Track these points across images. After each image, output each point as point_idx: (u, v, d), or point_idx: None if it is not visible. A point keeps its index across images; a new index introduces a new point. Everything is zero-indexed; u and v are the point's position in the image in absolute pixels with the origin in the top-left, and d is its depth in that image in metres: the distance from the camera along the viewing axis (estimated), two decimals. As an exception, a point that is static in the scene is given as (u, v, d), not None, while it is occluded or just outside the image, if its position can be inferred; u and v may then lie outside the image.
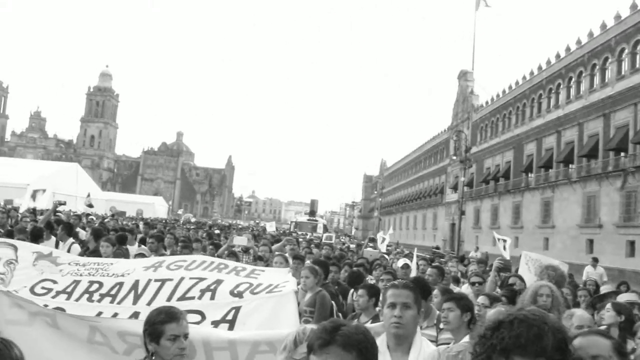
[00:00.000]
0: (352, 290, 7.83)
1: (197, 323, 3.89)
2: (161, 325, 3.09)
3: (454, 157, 53.08)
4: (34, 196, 24.16)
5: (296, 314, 4.36)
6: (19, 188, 29.55)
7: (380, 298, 6.12)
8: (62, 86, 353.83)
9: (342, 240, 35.60)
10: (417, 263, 10.66)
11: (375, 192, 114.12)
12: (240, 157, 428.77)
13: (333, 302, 6.72)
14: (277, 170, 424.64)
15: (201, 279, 4.44)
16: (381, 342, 3.27)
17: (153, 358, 3.13)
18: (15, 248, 4.72)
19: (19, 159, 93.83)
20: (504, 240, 12.91)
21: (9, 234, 8.53)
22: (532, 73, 50.08)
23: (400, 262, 10.26)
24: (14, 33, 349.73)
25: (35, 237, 8.49)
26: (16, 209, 19.77)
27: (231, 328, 4.00)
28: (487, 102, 60.58)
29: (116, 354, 3.64)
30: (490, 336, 1.71)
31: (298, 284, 5.76)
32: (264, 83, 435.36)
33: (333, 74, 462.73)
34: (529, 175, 48.80)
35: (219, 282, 4.42)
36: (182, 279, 4.43)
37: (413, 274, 9.40)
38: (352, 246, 24.73)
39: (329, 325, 2.08)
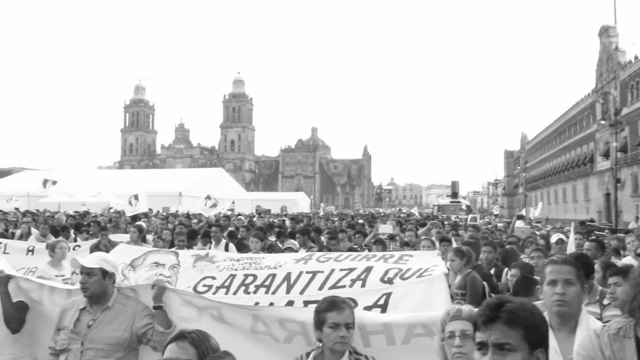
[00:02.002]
0: (505, 270, 7.56)
1: None
2: (324, 313, 3.22)
3: (602, 122, 49.28)
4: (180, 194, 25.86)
5: (448, 296, 4.31)
6: (173, 196, 31.80)
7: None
8: (201, 97, 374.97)
9: (488, 219, 34.52)
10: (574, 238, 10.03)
11: (518, 168, 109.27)
12: (376, 145, 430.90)
13: (485, 283, 6.53)
14: (414, 154, 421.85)
15: (351, 269, 4.52)
16: None
17: (320, 345, 3.25)
18: (177, 254, 5.13)
19: (169, 169, 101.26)
20: None
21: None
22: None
23: (554, 237, 9.76)
24: (152, 52, 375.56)
25: (190, 237, 9.17)
26: (174, 215, 21.25)
27: (383, 312, 4.02)
28: (636, 57, 55.31)
29: (277, 342, 3.78)
30: None
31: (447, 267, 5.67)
32: (394, 68, 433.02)
33: (466, 50, 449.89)
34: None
35: (368, 269, 4.48)
36: (332, 270, 4.55)
37: (571, 249, 8.88)
38: (500, 225, 23.88)
39: (494, 301, 2.04)
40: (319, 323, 3.23)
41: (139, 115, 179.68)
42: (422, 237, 9.66)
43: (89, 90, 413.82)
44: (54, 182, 30.11)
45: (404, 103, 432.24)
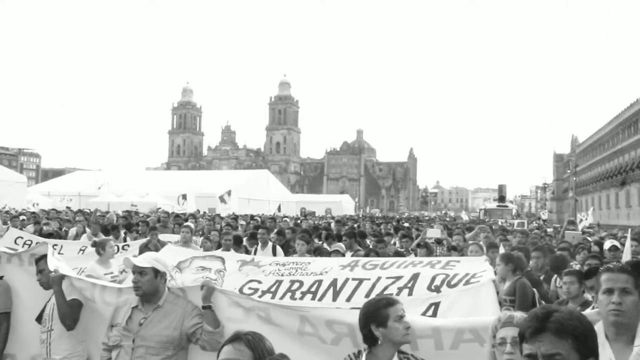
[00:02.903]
0: (554, 277, 7.39)
1: None
2: (385, 308, 3.27)
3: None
4: (223, 200, 25.96)
5: (496, 303, 4.22)
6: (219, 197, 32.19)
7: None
8: (246, 99, 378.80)
9: (536, 224, 33.82)
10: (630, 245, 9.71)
11: (568, 171, 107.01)
12: (422, 148, 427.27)
13: (535, 289, 6.39)
14: (460, 157, 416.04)
15: (398, 278, 4.46)
16: (598, 331, 2.99)
17: (379, 343, 3.24)
18: (223, 260, 5.21)
19: (215, 170, 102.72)
20: None
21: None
22: None
23: (607, 244, 9.49)
24: (199, 55, 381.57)
25: (235, 243, 9.47)
26: (220, 217, 21.56)
27: None
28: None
29: (324, 343, 3.78)
30: None
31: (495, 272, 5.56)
32: (440, 70, 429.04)
33: (515, 50, 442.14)
34: None
35: (415, 277, 4.41)
36: (379, 278, 4.50)
37: (627, 257, 8.60)
38: (549, 230, 23.36)
39: (540, 311, 1.99)
40: (380, 319, 3.25)
41: (186, 117, 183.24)
42: (470, 242, 9.52)
43: (137, 93, 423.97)
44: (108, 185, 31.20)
45: (450, 105, 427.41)
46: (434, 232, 10.61)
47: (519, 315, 2.86)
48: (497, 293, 5.17)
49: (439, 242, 10.30)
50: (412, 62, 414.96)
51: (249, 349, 2.65)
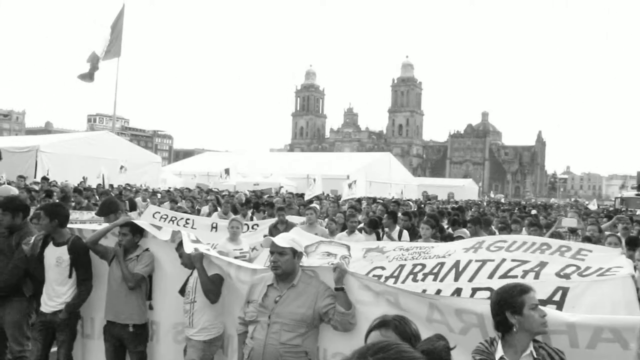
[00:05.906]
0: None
1: None
2: (520, 296, 3.18)
3: None
4: (350, 186, 26.53)
5: (635, 300, 3.92)
6: (341, 179, 32.61)
7: None
8: (368, 81, 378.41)
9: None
10: None
11: None
12: (551, 131, 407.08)
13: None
14: (594, 141, 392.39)
15: (524, 262, 4.31)
16: None
17: (514, 330, 3.17)
18: (348, 247, 5.35)
19: (338, 152, 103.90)
20: None
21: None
22: None
23: None
24: (322, 38, 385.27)
25: (372, 226, 9.60)
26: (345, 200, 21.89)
27: (559, 309, 3.75)
28: None
29: (453, 332, 3.71)
30: None
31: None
32: (570, 49, 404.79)
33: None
34: None
35: (542, 264, 4.23)
36: (503, 260, 4.38)
37: None
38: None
39: None
40: (516, 307, 3.16)
41: (309, 99, 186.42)
42: (607, 233, 8.98)
43: (263, 77, 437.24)
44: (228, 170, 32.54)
45: (584, 85, 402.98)
46: (569, 222, 10.06)
47: None
48: (638, 290, 4.88)
49: (572, 231, 9.79)
50: (540, 41, 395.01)
51: (396, 333, 2.69)
